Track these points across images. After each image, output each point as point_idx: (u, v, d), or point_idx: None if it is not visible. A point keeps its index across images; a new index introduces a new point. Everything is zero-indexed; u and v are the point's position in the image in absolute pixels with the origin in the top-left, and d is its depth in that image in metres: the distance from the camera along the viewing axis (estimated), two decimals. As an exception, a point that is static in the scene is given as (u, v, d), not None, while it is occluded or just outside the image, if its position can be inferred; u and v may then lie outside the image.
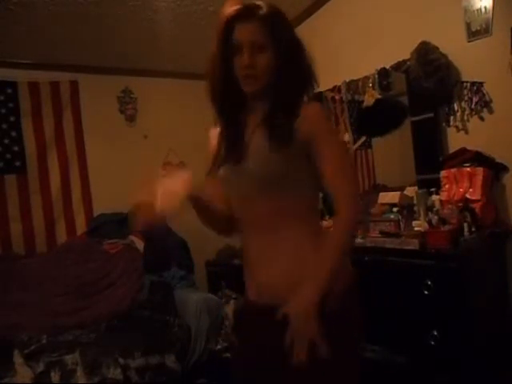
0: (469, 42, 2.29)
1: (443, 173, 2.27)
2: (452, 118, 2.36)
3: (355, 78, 2.85)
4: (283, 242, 1.05)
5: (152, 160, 3.74)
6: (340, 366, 0.98)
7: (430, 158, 2.43)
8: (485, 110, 2.25)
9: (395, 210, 2.36)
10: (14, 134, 3.13)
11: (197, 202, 1.12)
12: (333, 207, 1.07)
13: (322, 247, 1.00)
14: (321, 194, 3.12)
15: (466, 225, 1.99)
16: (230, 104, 1.11)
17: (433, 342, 1.88)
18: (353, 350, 1.07)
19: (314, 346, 0.88)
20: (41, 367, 2.10)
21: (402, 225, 2.20)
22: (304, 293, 0.92)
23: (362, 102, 2.78)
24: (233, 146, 1.09)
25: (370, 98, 2.71)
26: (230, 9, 1.05)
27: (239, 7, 1.05)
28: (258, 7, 1.05)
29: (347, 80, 2.92)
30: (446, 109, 2.39)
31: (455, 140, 2.37)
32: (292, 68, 1.07)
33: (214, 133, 1.18)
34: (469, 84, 2.27)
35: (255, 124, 1.09)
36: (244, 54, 1.03)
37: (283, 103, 1.06)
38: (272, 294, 1.04)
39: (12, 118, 3.13)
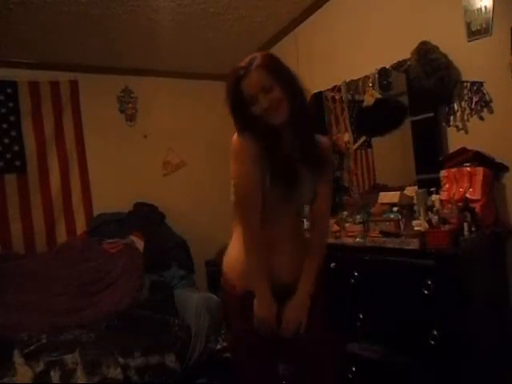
0: (469, 41, 2.28)
1: (443, 172, 2.27)
2: (452, 117, 2.36)
3: (355, 78, 2.85)
4: (297, 242, 1.42)
5: (152, 160, 3.75)
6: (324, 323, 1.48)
7: (430, 157, 2.42)
8: (485, 109, 2.25)
9: (395, 209, 2.36)
10: (14, 133, 3.13)
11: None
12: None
13: (311, 254, 1.42)
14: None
15: (466, 225, 1.99)
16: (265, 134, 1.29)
17: (433, 342, 1.88)
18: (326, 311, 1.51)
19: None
20: (41, 367, 2.10)
21: (401, 224, 2.20)
22: (302, 293, 1.38)
23: (362, 101, 2.79)
24: (283, 171, 1.30)
25: (369, 97, 2.71)
26: (231, 73, 1.28)
27: (238, 70, 1.27)
28: (253, 60, 1.27)
29: (347, 80, 2.92)
30: (446, 108, 2.39)
31: (455, 140, 2.37)
32: (300, 95, 1.32)
33: (253, 146, 1.30)
34: (469, 84, 2.27)
35: (294, 152, 1.34)
36: (260, 100, 1.25)
37: (310, 133, 1.36)
38: (292, 272, 1.39)
39: (12, 118, 3.13)
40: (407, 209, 2.28)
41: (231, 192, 1.39)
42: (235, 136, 1.32)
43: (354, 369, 2.24)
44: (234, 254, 1.42)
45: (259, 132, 1.28)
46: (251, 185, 1.29)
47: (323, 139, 1.43)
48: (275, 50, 3.58)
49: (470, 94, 2.27)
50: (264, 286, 1.33)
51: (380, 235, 2.19)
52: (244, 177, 1.30)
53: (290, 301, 1.37)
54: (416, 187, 2.40)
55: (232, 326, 1.50)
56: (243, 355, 1.44)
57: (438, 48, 2.31)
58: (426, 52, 2.30)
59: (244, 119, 1.29)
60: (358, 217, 2.49)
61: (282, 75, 1.28)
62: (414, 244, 1.99)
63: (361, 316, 2.22)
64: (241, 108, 1.28)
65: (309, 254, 1.41)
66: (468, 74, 2.29)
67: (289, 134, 1.33)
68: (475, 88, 2.25)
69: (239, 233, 1.37)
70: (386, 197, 2.52)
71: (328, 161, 1.40)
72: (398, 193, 2.45)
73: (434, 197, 2.19)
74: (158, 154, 3.81)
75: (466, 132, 2.33)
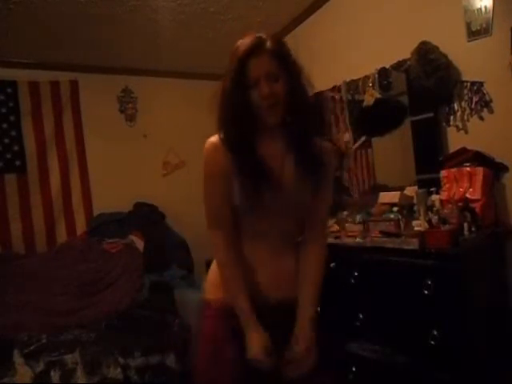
0: (469, 41, 2.28)
1: (443, 172, 2.27)
2: (452, 117, 2.36)
3: (355, 78, 2.85)
4: (290, 252, 1.27)
5: (152, 160, 3.75)
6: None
7: (430, 157, 2.42)
8: (485, 109, 2.25)
9: (395, 209, 2.36)
10: (14, 133, 3.13)
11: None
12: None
13: (310, 266, 1.26)
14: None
15: (466, 224, 1.99)
16: (245, 134, 1.16)
17: (433, 342, 1.88)
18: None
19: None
20: (41, 367, 2.10)
21: (401, 224, 2.20)
22: (306, 332, 1.20)
23: (362, 101, 2.79)
24: (260, 174, 1.14)
25: (369, 97, 2.71)
26: (241, 46, 1.13)
27: (249, 44, 1.12)
28: (265, 41, 1.13)
29: (347, 80, 2.92)
30: (446, 108, 2.39)
31: (455, 140, 2.37)
32: (303, 93, 1.19)
33: (219, 157, 1.17)
34: (469, 84, 2.27)
35: (281, 153, 1.19)
36: (262, 85, 1.10)
37: (308, 132, 1.20)
38: (281, 288, 1.23)
39: (12, 118, 3.13)
40: (407, 209, 2.28)
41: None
42: (210, 140, 1.21)
43: (353, 369, 2.24)
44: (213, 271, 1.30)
45: (242, 130, 1.14)
46: (216, 199, 1.18)
47: (326, 144, 1.27)
48: (275, 50, 3.59)
49: (469, 94, 2.28)
50: (244, 304, 1.16)
51: (380, 235, 2.19)
52: (209, 191, 1.20)
53: (293, 334, 1.19)
54: (416, 187, 2.40)
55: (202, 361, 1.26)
56: None
57: (437, 48, 2.31)
58: (425, 52, 2.30)
59: (237, 105, 1.13)
60: (358, 217, 2.49)
61: (289, 68, 1.15)
62: (413, 244, 1.99)
63: (361, 316, 2.22)
64: (241, 88, 1.12)
65: (307, 266, 1.26)
66: (468, 74, 2.29)
67: (283, 136, 1.19)
68: (475, 88, 2.25)
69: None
70: (386, 197, 2.52)
71: (328, 165, 1.22)
72: (398, 193, 2.45)
73: (434, 197, 2.19)
74: (158, 154, 3.81)
75: (466, 132, 2.33)
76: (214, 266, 1.30)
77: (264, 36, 1.14)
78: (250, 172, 1.14)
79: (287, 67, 1.14)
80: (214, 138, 1.20)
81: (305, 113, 1.19)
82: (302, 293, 1.23)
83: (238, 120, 1.14)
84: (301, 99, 1.17)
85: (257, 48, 1.12)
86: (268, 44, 1.12)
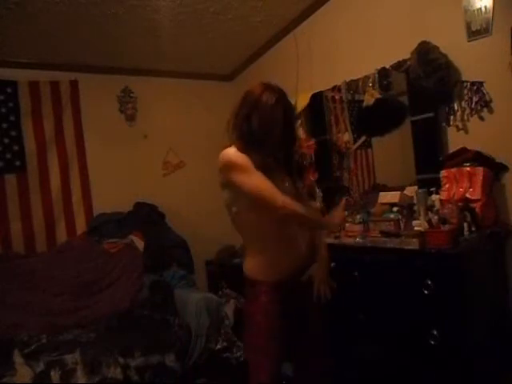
0: (469, 41, 2.28)
1: (443, 172, 2.27)
2: (452, 117, 2.36)
3: (355, 78, 2.85)
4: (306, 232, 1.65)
5: (152, 160, 3.75)
6: None
7: (430, 157, 2.42)
8: (485, 109, 2.25)
9: (395, 209, 2.36)
10: (13, 133, 3.13)
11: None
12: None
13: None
14: (321, 194, 3.12)
15: (465, 224, 1.99)
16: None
17: (433, 342, 1.88)
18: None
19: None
20: (41, 367, 2.10)
21: (401, 224, 2.20)
22: (323, 254, 1.71)
23: (362, 101, 2.78)
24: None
25: (369, 97, 2.71)
26: (270, 95, 1.51)
27: (275, 96, 1.51)
28: (283, 95, 1.56)
29: (347, 80, 2.92)
30: (446, 108, 2.38)
31: (455, 140, 2.37)
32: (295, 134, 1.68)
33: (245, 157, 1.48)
34: (469, 84, 2.27)
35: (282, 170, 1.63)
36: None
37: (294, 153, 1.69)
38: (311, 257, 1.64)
39: (12, 118, 3.13)
40: (407, 209, 2.28)
41: (232, 203, 1.52)
42: (232, 150, 1.48)
43: (354, 368, 2.24)
44: (262, 259, 1.56)
45: (265, 149, 1.50)
46: (266, 180, 1.44)
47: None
48: (275, 50, 3.59)
49: (469, 94, 2.27)
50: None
51: (380, 235, 2.19)
52: (261, 181, 1.43)
53: (317, 263, 1.66)
54: (416, 187, 2.40)
55: (256, 317, 1.53)
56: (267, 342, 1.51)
57: (437, 48, 2.31)
58: (426, 52, 2.30)
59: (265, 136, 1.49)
60: (358, 217, 2.49)
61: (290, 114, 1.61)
62: (413, 244, 1.99)
63: (361, 316, 2.22)
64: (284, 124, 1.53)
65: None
66: (468, 74, 2.29)
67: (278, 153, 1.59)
68: (475, 88, 2.25)
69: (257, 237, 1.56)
70: (386, 197, 2.52)
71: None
72: (398, 193, 2.45)
73: (434, 197, 2.19)
74: (158, 154, 3.81)
75: (466, 132, 2.33)
76: (253, 252, 1.58)
77: (280, 89, 1.56)
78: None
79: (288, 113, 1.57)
80: (233, 149, 1.48)
81: (293, 140, 1.64)
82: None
83: (266, 144, 1.51)
84: (295, 138, 1.66)
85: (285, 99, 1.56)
86: (286, 97, 1.56)
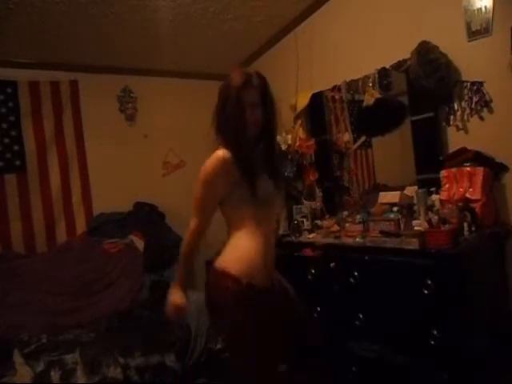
0: (469, 41, 2.29)
1: (443, 172, 2.27)
2: (452, 117, 2.36)
3: (355, 78, 2.85)
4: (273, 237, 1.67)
5: (152, 159, 3.75)
6: None
7: (430, 157, 2.43)
8: (485, 109, 2.25)
9: (395, 209, 2.36)
10: (13, 133, 3.13)
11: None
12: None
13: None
14: (321, 194, 3.11)
15: (466, 224, 1.99)
16: (244, 140, 1.48)
17: (433, 342, 1.88)
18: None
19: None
20: (41, 366, 2.10)
21: (401, 224, 2.20)
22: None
23: (362, 101, 2.78)
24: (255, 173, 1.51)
25: (369, 97, 2.71)
26: (237, 80, 1.46)
27: (243, 79, 1.45)
28: (253, 77, 1.48)
29: (347, 79, 2.92)
30: (446, 108, 2.39)
31: (455, 139, 2.37)
32: (275, 118, 1.57)
33: (229, 167, 1.46)
34: (469, 83, 2.27)
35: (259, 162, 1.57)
36: (251, 110, 1.47)
37: (275, 147, 1.66)
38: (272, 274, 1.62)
39: (12, 118, 3.13)
40: (407, 209, 2.28)
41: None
42: (218, 154, 1.46)
43: (354, 368, 2.24)
44: (238, 253, 1.56)
45: (240, 139, 1.46)
46: (213, 201, 1.53)
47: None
48: (275, 50, 3.59)
49: (469, 94, 2.28)
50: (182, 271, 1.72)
51: (380, 235, 2.19)
52: (208, 192, 1.51)
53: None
54: (416, 187, 2.40)
55: (236, 315, 1.50)
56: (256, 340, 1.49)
57: (437, 48, 2.31)
58: (426, 52, 2.30)
59: (238, 122, 1.45)
60: (358, 217, 2.50)
61: (267, 99, 1.52)
62: (413, 244, 1.99)
63: (361, 316, 2.22)
64: (239, 110, 1.45)
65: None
66: (468, 74, 2.29)
67: (257, 147, 1.56)
68: (475, 88, 2.25)
69: (241, 234, 1.55)
70: (386, 197, 2.52)
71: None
72: (398, 193, 2.45)
73: (434, 197, 2.19)
74: (158, 154, 3.81)
75: (466, 132, 2.34)
76: (235, 242, 1.57)
77: (249, 72, 1.49)
78: (250, 172, 1.47)
79: (265, 99, 1.51)
80: (223, 152, 1.45)
81: (273, 131, 1.58)
82: None
83: (240, 131, 1.46)
84: (270, 122, 1.55)
85: (248, 81, 1.46)
86: (255, 80, 1.48)
